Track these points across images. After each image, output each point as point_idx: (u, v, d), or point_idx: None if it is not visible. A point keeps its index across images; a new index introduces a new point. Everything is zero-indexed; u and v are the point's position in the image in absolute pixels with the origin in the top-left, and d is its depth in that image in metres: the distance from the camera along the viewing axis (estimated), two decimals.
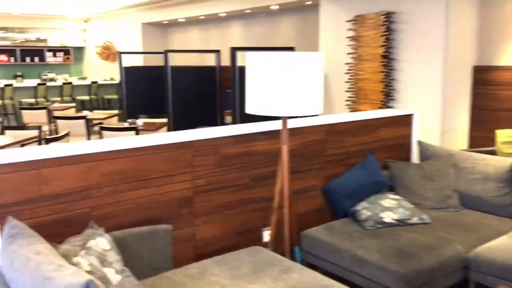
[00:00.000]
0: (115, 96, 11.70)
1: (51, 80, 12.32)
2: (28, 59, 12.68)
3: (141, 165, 2.51)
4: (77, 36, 13.45)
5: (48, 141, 4.75)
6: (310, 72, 2.49)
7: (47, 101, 10.71)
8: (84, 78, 12.93)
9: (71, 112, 9.08)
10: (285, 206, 2.67)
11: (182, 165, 2.64)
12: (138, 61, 10.64)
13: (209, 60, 9.90)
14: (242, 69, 6.25)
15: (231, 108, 8.58)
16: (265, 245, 2.96)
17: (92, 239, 2.07)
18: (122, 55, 9.03)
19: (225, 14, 9.09)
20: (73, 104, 9.08)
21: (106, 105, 11.84)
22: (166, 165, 2.59)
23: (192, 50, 8.96)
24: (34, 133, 5.51)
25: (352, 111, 5.62)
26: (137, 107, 9.20)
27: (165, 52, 7.96)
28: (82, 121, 6.73)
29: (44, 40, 13.30)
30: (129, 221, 2.50)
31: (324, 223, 3.10)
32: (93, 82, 11.42)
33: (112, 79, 12.13)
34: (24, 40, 13.10)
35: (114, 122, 7.72)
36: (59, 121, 6.76)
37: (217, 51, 8.08)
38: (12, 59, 12.44)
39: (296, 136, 3.09)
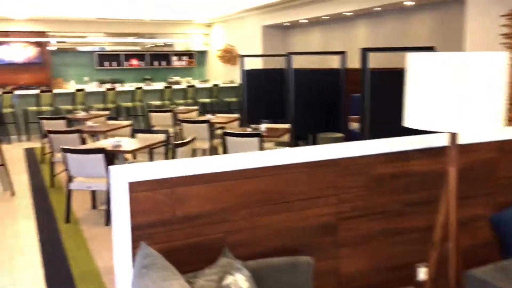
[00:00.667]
0: (235, 99, 11.78)
1: (176, 83, 12.83)
2: (156, 63, 13.36)
3: (281, 186, 2.19)
4: (200, 41, 13.88)
5: (175, 146, 4.71)
6: (491, 77, 1.97)
7: (172, 103, 11.11)
8: (206, 81, 13.27)
9: (194, 115, 9.25)
10: (450, 240, 2.17)
11: (325, 187, 2.28)
12: (257, 63, 10.56)
13: (330, 62, 9.46)
14: (372, 72, 5.74)
15: (357, 113, 8.06)
16: (419, 285, 2.48)
17: (230, 275, 1.79)
18: (244, 58, 8.97)
19: (350, 13, 8.59)
20: (196, 107, 9.25)
21: (226, 108, 11.98)
22: (308, 186, 2.24)
23: (316, 52, 8.59)
24: (162, 137, 5.56)
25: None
26: (257, 111, 9.09)
27: (288, 55, 7.71)
28: (205, 125, 6.72)
29: (171, 45, 13.93)
30: (264, 249, 2.20)
31: (491, 261, 2.53)
32: (214, 85, 11.62)
33: (232, 82, 12.26)
34: (153, 45, 13.83)
35: (235, 126, 7.65)
36: (184, 125, 6.83)
37: (342, 53, 7.62)
38: (142, 63, 13.19)
39: (460, 154, 2.56)
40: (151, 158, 5.32)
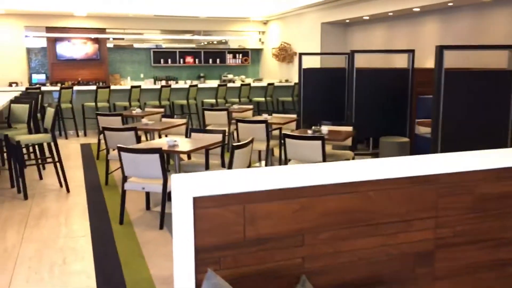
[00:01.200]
0: (290, 99, 11.44)
1: (230, 81, 12.65)
2: (210, 61, 13.23)
3: (368, 205, 1.83)
4: (255, 38, 13.62)
5: (234, 147, 4.44)
6: None
7: (226, 102, 10.92)
8: (260, 80, 13.01)
9: (249, 115, 8.98)
10: None
11: (422, 208, 1.90)
12: (315, 62, 10.17)
13: (393, 62, 8.92)
14: (446, 72, 5.23)
15: (424, 116, 7.54)
16: None
17: None
18: (302, 57, 8.61)
19: (418, 9, 8.03)
20: (251, 106, 8.98)
21: (281, 107, 11.66)
22: (400, 206, 1.87)
23: (382, 50, 8.10)
24: (218, 137, 5.31)
25: None
26: (314, 111, 8.71)
27: (351, 53, 7.28)
28: (262, 126, 6.42)
29: (225, 43, 13.77)
30: (348, 278, 1.85)
31: None
32: (269, 84, 11.32)
33: (287, 81, 11.93)
34: (208, 42, 13.73)
35: (292, 127, 7.32)
36: (240, 124, 6.56)
37: (411, 51, 7.11)
38: (196, 60, 13.11)
39: None
40: (207, 159, 5.08)
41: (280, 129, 6.91)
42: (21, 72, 11.48)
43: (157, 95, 10.58)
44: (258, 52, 13.69)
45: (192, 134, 5.52)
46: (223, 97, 10.94)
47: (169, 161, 5.72)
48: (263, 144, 6.47)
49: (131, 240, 4.13)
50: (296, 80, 11.62)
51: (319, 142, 4.98)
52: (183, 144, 4.83)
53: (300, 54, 8.65)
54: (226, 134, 8.18)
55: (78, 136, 9.89)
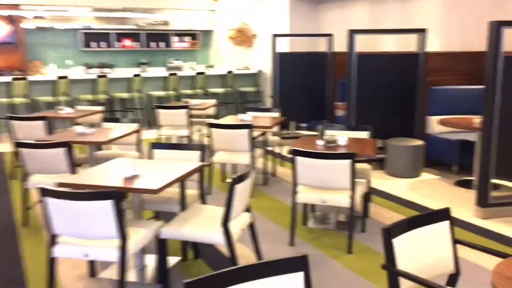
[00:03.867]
0: (253, 89, 9.79)
1: (177, 68, 10.77)
2: (153, 45, 11.23)
3: None
4: (205, 18, 11.76)
5: (235, 181, 2.76)
6: None
7: (178, 94, 9.08)
8: (211, 67, 11.23)
9: (212, 112, 7.27)
10: None
11: None
12: (281, 47, 8.55)
13: (378, 46, 7.51)
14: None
15: (440, 112, 6.35)
16: None
17: None
18: (276, 39, 6.99)
19: None
20: (213, 101, 7.26)
21: (242, 99, 9.99)
22: None
23: (393, 29, 6.58)
24: (194, 155, 3.60)
25: None
26: (295, 106, 7.17)
27: (351, 33, 5.75)
28: (245, 132, 4.75)
29: (167, 23, 11.80)
30: None
31: None
32: (228, 72, 9.58)
33: (246, 68, 10.25)
34: (150, 23, 11.68)
35: (275, 129, 5.70)
36: (214, 131, 4.85)
37: (423, 30, 5.70)
38: (136, 44, 11.06)
39: None
40: (183, 195, 3.36)
41: (264, 134, 5.28)
42: None
43: (91, 87, 8.54)
44: (208, 34, 11.84)
45: (155, 152, 3.75)
46: (173, 88, 9.09)
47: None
48: (247, 156, 4.82)
49: None
50: (256, 67, 10.01)
51: (347, 162, 3.43)
52: (147, 174, 3.07)
53: (274, 36, 7.02)
54: (184, 137, 6.45)
55: None
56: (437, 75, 5.75)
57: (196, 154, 3.65)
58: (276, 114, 5.81)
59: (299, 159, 3.54)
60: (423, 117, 5.77)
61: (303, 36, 7.84)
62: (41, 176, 3.94)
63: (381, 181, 5.33)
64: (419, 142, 5.44)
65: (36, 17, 10.26)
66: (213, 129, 4.84)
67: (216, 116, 7.59)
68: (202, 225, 2.97)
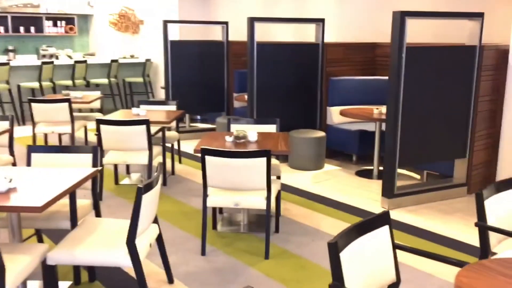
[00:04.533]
0: (141, 79, 9.10)
1: (52, 56, 9.65)
2: (22, 30, 9.91)
3: None
4: (83, 1, 10.68)
5: (141, 191, 2.31)
6: None
7: (53, 85, 8.08)
8: (92, 54, 10.26)
9: (98, 105, 6.57)
10: None
11: None
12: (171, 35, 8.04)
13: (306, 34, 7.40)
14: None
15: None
16: None
17: None
18: (168, 25, 6.47)
19: None
20: (98, 93, 6.52)
21: (128, 91, 9.25)
22: None
23: (292, 18, 6.40)
24: (86, 159, 3.05)
25: None
26: (190, 97, 6.73)
27: (250, 21, 5.48)
28: (142, 128, 4.24)
29: (37, 6, 10.50)
30: None
31: None
32: (113, 61, 8.77)
33: (132, 56, 9.52)
34: (17, 5, 10.28)
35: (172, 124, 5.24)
36: (104, 128, 4.25)
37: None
38: (1, 28, 9.65)
39: None
40: (74, 209, 2.79)
41: (162, 129, 4.80)
42: None
43: None
44: (86, 18, 10.78)
45: (34, 156, 3.10)
46: (49, 79, 8.07)
47: None
48: (145, 155, 4.31)
49: None
50: (144, 56, 9.35)
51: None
52: (26, 185, 2.47)
53: (165, 22, 6.50)
54: (66, 133, 5.68)
55: None
56: (335, 66, 5.74)
57: (87, 157, 3.09)
58: (172, 107, 5.36)
59: (209, 159, 3.17)
60: (324, 108, 5.73)
61: (197, 23, 7.40)
62: None
63: (286, 174, 5.17)
64: (321, 134, 5.38)
65: None
66: (103, 126, 4.25)
67: (101, 110, 6.87)
68: (101, 245, 2.46)
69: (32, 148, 3.14)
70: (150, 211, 2.57)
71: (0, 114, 6.78)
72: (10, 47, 9.54)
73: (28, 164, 3.08)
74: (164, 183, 4.82)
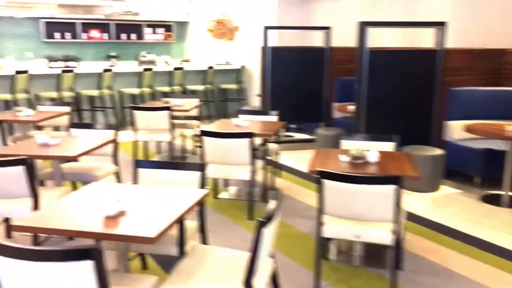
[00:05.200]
0: (234, 86, 8.97)
1: (151, 62, 9.83)
2: (123, 36, 10.23)
3: None
4: (181, 9, 10.83)
5: (263, 223, 1.99)
6: None
7: (153, 91, 8.17)
8: (187, 61, 10.33)
9: (195, 113, 6.45)
10: None
11: None
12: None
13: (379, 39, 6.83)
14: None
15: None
16: None
17: None
18: (268, 31, 6.21)
19: None
20: (196, 101, 6.40)
21: (223, 97, 9.16)
22: None
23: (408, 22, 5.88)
24: (193, 179, 2.80)
25: None
26: (289, 106, 6.41)
27: (361, 26, 5.04)
28: (245, 142, 3.96)
29: (137, 14, 10.79)
30: None
31: None
32: (209, 68, 8.71)
33: (227, 63, 9.42)
34: (120, 12, 10.66)
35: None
36: (207, 140, 4.03)
37: (442, 24, 5.03)
38: (105, 35, 10.03)
39: None
40: (182, 236, 2.55)
41: (265, 142, 4.51)
42: None
43: (55, 83, 7.53)
44: (183, 25, 10.91)
45: (141, 172, 2.92)
46: (149, 85, 8.17)
47: None
48: (242, 169, 4.03)
49: None
50: (238, 63, 9.20)
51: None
52: (135, 208, 2.24)
53: (266, 28, 6.24)
54: (166, 142, 5.59)
55: None
56: (455, 75, 5.11)
57: (195, 175, 2.85)
58: (273, 118, 5.05)
59: (328, 184, 2.78)
60: (440, 122, 5.12)
61: (298, 29, 7.09)
62: None
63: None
64: (439, 151, 4.79)
65: None
66: (207, 138, 4.03)
67: (199, 117, 6.76)
68: (215, 280, 2.17)
69: (139, 163, 2.96)
70: (267, 245, 2.24)
71: (106, 123, 6.92)
72: (113, 54, 9.88)
73: (135, 181, 2.90)
74: (265, 200, 4.51)
